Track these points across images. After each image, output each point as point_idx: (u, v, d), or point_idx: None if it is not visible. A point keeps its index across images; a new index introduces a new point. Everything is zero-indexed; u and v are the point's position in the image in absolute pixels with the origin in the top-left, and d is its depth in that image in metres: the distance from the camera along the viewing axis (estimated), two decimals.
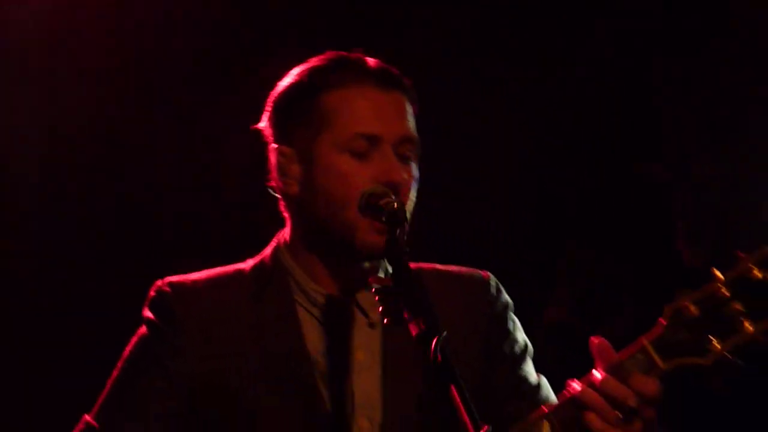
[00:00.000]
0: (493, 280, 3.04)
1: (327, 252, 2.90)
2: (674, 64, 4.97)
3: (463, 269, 3.05)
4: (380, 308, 2.67)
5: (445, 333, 2.42)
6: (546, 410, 2.68)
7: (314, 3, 4.80)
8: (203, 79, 4.63)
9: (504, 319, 3.02)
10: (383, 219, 2.66)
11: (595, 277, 5.02)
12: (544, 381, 3.02)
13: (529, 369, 3.03)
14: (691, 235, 5.00)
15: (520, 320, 3.07)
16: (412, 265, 2.78)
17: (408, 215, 2.78)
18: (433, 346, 2.41)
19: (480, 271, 3.05)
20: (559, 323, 4.86)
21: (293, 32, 4.59)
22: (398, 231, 2.60)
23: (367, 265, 2.91)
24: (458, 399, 2.38)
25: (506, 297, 3.03)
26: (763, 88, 4.85)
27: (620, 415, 2.59)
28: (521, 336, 3.05)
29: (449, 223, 4.79)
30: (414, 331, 2.53)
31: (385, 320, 2.65)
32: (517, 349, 3.02)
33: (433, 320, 2.46)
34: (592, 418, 2.56)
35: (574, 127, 5.04)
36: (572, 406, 2.63)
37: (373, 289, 2.70)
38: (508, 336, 3.02)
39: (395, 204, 2.65)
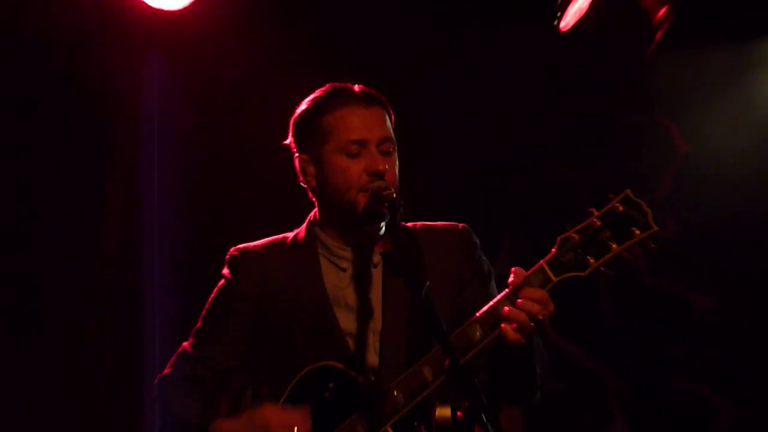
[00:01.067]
0: (465, 228, 3.32)
1: (340, 221, 3.24)
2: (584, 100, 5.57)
3: (446, 223, 3.34)
4: (383, 264, 3.19)
5: (428, 283, 2.82)
6: (477, 316, 3.00)
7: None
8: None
9: (473, 253, 3.31)
10: (386, 205, 3.03)
11: (527, 248, 5.39)
12: None
13: (492, 286, 3.29)
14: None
15: None
16: (410, 224, 3.28)
17: (396, 194, 3.05)
18: (423, 292, 2.82)
19: (458, 224, 3.33)
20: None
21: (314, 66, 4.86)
22: (396, 215, 2.99)
23: (369, 228, 3.22)
24: (436, 330, 2.82)
25: (475, 238, 3.32)
26: (637, 115, 5.61)
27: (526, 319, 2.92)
28: (486, 264, 3.33)
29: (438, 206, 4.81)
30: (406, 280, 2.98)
31: (383, 266, 3.19)
32: (483, 272, 3.31)
33: (420, 274, 2.88)
34: (504, 325, 2.94)
35: (516, 140, 5.64)
36: (493, 313, 2.99)
37: (379, 253, 3.22)
38: (476, 263, 3.30)
39: (394, 194, 3.03)
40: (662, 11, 5.23)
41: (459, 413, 2.93)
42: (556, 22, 5.21)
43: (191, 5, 4.91)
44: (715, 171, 5.49)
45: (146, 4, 4.86)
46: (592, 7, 5.14)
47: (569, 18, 5.21)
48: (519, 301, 2.92)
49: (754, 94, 5.50)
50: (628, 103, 5.65)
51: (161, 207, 5.10)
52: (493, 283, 3.30)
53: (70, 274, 5.06)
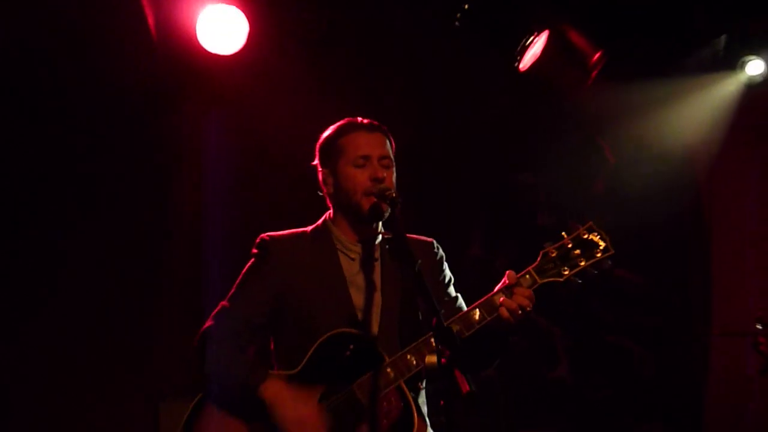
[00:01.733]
0: (435, 243, 3.66)
1: (350, 220, 3.56)
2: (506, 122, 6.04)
3: (420, 236, 3.66)
4: (383, 250, 3.55)
5: (420, 261, 3.19)
6: (478, 303, 3.37)
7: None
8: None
9: (441, 264, 3.66)
10: (387, 202, 3.40)
11: (495, 235, 6.16)
12: (460, 296, 3.65)
13: (453, 290, 3.66)
14: (545, 212, 6.12)
15: (454, 257, 3.72)
16: (387, 234, 3.57)
17: (396, 193, 3.39)
18: (415, 268, 3.15)
19: (429, 238, 3.67)
20: (477, 258, 5.98)
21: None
22: (395, 210, 3.38)
23: (373, 226, 3.55)
24: (426, 296, 3.12)
25: (442, 252, 3.67)
26: (578, 135, 6.18)
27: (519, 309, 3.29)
28: (449, 273, 3.67)
29: (422, 207, 5.49)
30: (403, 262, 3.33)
31: (382, 255, 3.53)
32: (447, 279, 3.67)
33: (412, 256, 3.22)
34: (502, 310, 3.34)
35: (486, 155, 6.21)
36: (491, 302, 3.35)
37: (381, 240, 3.59)
38: (442, 272, 3.66)
39: (393, 194, 3.40)
40: (596, 56, 5.71)
41: (443, 360, 3.08)
42: (516, 64, 5.78)
43: (242, 50, 5.27)
44: (633, 178, 6.10)
45: (205, 50, 5.22)
46: (544, 53, 5.71)
47: (527, 60, 5.77)
48: (515, 295, 3.34)
49: (663, 122, 6.10)
50: (572, 126, 6.20)
51: (216, 211, 5.43)
52: (453, 287, 3.67)
53: (144, 265, 5.51)
